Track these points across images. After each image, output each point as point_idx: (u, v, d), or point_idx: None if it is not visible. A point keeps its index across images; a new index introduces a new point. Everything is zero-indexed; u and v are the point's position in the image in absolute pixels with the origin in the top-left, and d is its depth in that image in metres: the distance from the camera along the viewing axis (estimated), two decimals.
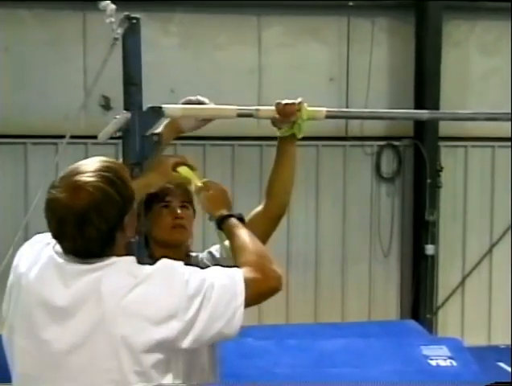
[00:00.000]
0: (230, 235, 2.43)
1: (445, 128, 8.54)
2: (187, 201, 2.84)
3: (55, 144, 7.59)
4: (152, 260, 2.27)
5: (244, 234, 2.38)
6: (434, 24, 8.53)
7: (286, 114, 2.74)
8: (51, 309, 2.08)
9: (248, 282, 2.16)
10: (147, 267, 2.14)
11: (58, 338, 2.07)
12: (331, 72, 8.69)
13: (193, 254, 2.90)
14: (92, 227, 2.05)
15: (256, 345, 6.13)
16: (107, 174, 2.09)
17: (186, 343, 2.08)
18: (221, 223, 2.49)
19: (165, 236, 2.75)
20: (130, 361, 2.03)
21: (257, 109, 2.80)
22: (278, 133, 2.81)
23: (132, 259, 2.16)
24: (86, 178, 2.07)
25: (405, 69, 8.68)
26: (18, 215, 7.61)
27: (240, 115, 2.80)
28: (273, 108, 2.76)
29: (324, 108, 2.88)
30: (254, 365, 5.86)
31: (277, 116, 2.75)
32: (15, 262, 2.24)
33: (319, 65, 8.65)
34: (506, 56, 8.51)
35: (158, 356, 2.06)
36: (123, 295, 2.04)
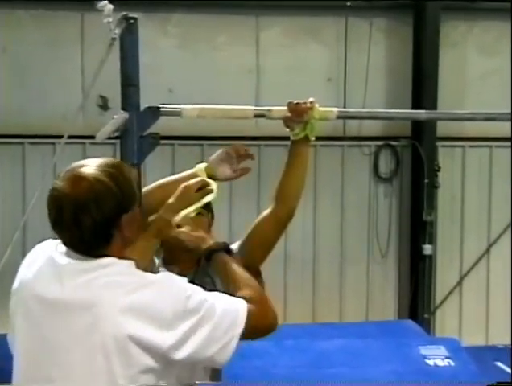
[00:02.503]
0: (223, 270, 2.38)
1: (443, 128, 8.54)
2: (203, 207, 2.84)
3: (53, 144, 7.60)
4: (164, 265, 2.28)
5: (238, 270, 2.35)
6: (432, 25, 8.53)
7: (298, 113, 2.74)
8: (45, 303, 2.10)
9: (249, 316, 2.18)
10: (148, 274, 2.15)
11: (53, 335, 2.09)
12: (329, 73, 8.69)
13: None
14: (88, 216, 2.07)
15: (253, 345, 6.10)
16: (110, 170, 2.13)
17: (179, 356, 2.07)
18: (210, 257, 2.42)
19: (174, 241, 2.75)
20: (121, 364, 2.04)
21: (269, 110, 2.80)
22: (291, 136, 2.80)
23: (129, 263, 2.14)
24: (89, 170, 2.12)
25: (403, 69, 8.68)
26: (15, 215, 7.60)
27: (254, 115, 2.81)
28: (285, 108, 2.76)
29: (336, 108, 2.88)
30: (252, 366, 5.86)
31: (289, 114, 2.75)
32: (20, 269, 2.25)
33: (317, 65, 8.64)
34: (504, 57, 8.51)
35: (149, 363, 2.06)
36: (122, 298, 2.05)
